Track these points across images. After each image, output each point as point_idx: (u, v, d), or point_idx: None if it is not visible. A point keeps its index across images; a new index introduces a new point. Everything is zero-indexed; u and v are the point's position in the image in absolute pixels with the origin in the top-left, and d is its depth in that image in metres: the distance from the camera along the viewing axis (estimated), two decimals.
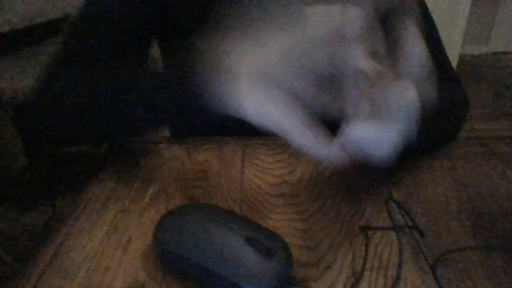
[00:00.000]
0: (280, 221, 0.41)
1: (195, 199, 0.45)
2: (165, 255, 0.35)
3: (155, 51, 0.64)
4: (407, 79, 0.34)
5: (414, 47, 0.36)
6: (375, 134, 0.33)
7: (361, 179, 0.48)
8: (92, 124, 0.47)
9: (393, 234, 0.39)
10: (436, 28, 0.60)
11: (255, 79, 0.34)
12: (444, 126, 0.54)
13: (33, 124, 0.50)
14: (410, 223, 0.39)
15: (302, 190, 0.46)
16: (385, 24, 0.35)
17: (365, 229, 0.39)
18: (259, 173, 0.49)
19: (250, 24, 0.37)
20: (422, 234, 0.39)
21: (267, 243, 0.33)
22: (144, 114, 0.43)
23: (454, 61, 2.65)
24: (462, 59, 3.07)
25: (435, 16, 0.60)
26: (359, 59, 0.33)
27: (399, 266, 0.33)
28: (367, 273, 0.35)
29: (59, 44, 0.54)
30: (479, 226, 0.40)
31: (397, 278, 0.32)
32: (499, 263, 0.36)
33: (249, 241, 0.33)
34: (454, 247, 0.37)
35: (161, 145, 0.56)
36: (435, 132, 0.52)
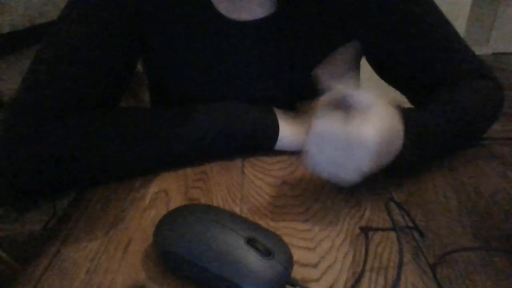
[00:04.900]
0: (280, 221, 0.42)
1: (195, 199, 0.45)
2: (165, 256, 0.35)
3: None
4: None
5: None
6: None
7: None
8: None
9: (393, 235, 0.39)
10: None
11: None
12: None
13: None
14: (410, 224, 0.39)
15: (302, 191, 0.46)
16: None
17: (365, 229, 0.39)
18: (259, 174, 0.49)
19: None
20: (422, 235, 0.39)
21: (267, 243, 0.33)
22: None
23: None
24: None
25: None
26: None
27: (399, 267, 0.33)
28: (367, 273, 0.35)
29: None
30: (479, 226, 0.40)
31: (397, 278, 0.32)
32: (499, 263, 0.36)
33: (249, 241, 0.33)
34: (454, 247, 0.37)
35: None
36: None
